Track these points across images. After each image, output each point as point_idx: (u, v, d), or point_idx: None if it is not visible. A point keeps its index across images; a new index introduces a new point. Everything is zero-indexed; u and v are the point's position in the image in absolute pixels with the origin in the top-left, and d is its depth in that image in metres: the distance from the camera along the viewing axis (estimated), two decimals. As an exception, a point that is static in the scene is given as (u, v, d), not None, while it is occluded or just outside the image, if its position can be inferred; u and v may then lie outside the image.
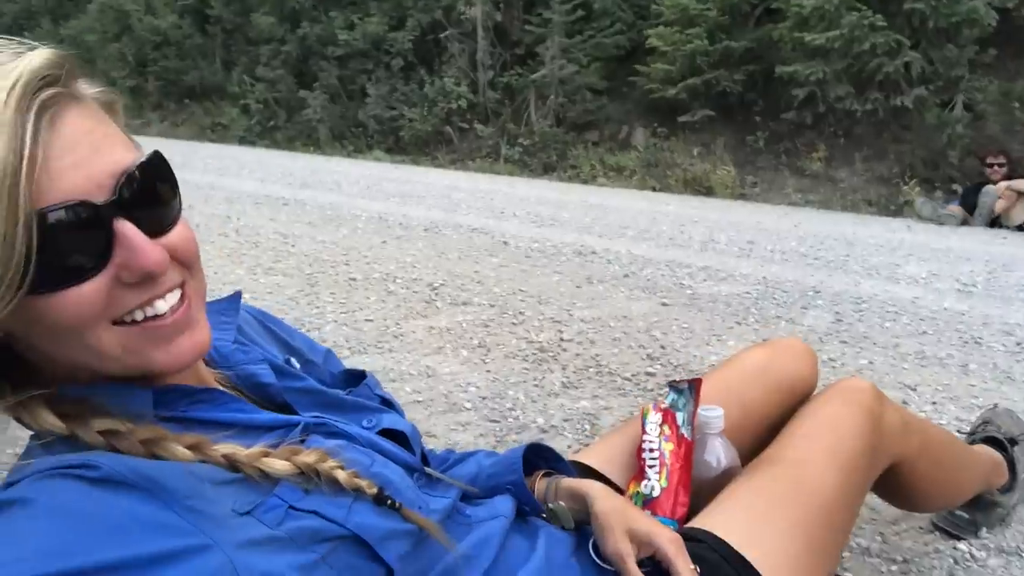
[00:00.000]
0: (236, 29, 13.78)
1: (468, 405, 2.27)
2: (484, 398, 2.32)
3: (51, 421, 0.55)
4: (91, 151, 0.54)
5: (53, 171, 0.51)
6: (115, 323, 0.56)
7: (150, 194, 0.58)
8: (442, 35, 11.02)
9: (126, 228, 0.55)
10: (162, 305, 0.58)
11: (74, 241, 0.52)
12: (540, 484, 0.94)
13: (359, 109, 11.90)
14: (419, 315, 3.17)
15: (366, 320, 3.10)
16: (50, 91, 0.52)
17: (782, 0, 7.43)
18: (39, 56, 0.53)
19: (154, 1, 14.91)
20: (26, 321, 0.54)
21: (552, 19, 9.67)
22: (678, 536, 0.83)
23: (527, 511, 0.89)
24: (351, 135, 12.08)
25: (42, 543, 0.47)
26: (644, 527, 0.82)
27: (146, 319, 0.58)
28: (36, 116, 0.50)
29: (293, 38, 12.75)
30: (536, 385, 2.42)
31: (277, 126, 13.19)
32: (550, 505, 0.90)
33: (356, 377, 0.90)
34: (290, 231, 5.07)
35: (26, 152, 0.49)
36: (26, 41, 0.55)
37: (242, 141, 12.89)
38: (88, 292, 0.54)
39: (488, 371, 2.54)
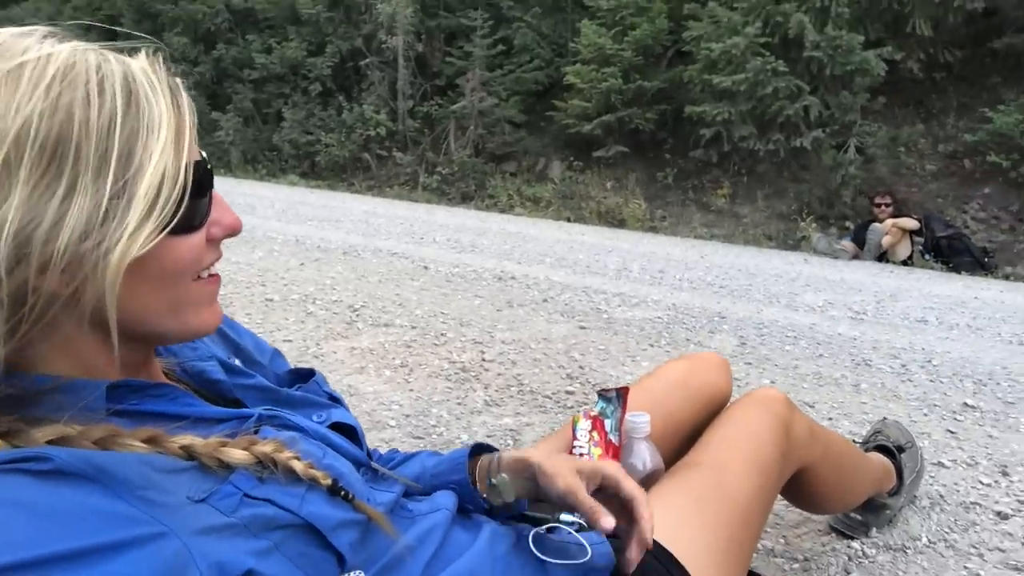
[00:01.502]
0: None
1: (392, 423, 2.28)
2: (408, 416, 2.34)
3: None
4: None
5: (190, 135, 0.61)
6: (193, 279, 0.64)
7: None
8: (362, 63, 11.04)
9: (216, 193, 0.65)
10: (218, 267, 0.67)
11: (201, 194, 0.62)
12: (482, 462, 0.92)
13: (274, 133, 11.73)
14: (340, 336, 3.15)
15: (284, 341, 3.07)
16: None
17: (693, 43, 7.83)
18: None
19: (56, 18, 14.31)
20: (141, 266, 0.56)
21: (473, 52, 9.87)
22: (620, 466, 0.86)
23: (470, 509, 0.90)
24: (264, 159, 11.88)
25: None
26: (588, 465, 0.85)
27: (210, 276, 0.66)
28: (177, 85, 0.61)
29: (207, 59, 12.48)
30: (459, 403, 2.45)
31: (187, 147, 12.80)
32: (492, 480, 0.89)
33: (304, 376, 0.92)
34: (203, 252, 4.94)
35: (184, 111, 0.60)
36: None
37: (149, 161, 12.44)
38: (197, 241, 0.62)
39: (411, 390, 2.56)
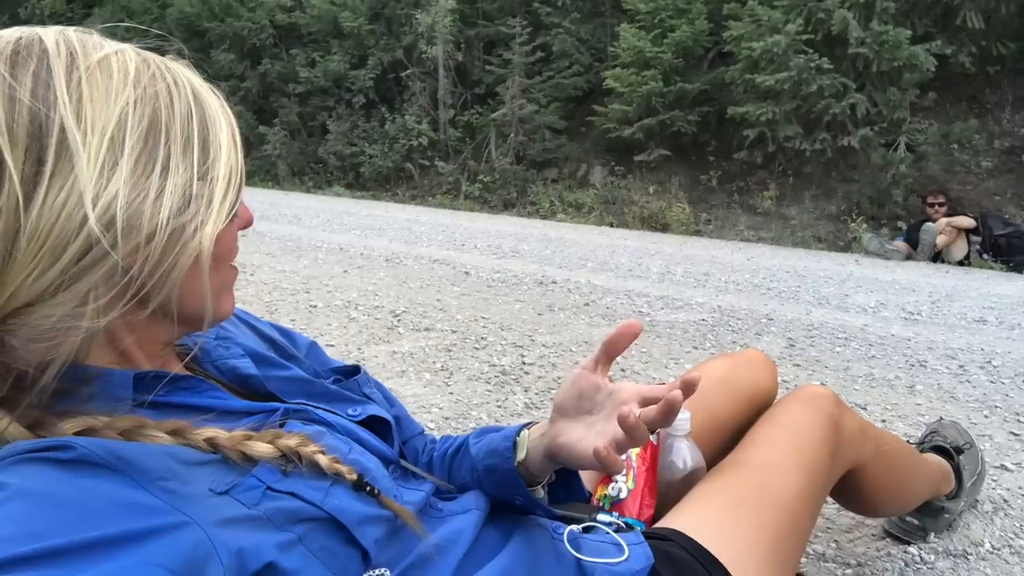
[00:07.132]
0: (195, 65, 13.72)
1: (432, 426, 2.27)
2: (447, 418, 2.32)
3: (16, 434, 0.53)
4: None
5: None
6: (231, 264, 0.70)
7: None
8: (403, 74, 11.15)
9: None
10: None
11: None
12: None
13: (319, 145, 11.92)
14: (381, 340, 3.16)
15: (327, 345, 3.08)
16: None
17: (733, 43, 7.72)
18: None
19: (113, 33, 14.80)
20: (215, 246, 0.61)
21: (512, 60, 9.89)
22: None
23: (519, 503, 0.86)
24: (311, 171, 12.07)
25: (13, 526, 0.45)
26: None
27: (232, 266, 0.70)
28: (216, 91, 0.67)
29: (253, 75, 12.76)
30: (499, 406, 2.43)
31: (235, 161, 13.08)
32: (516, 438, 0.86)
33: (347, 372, 0.91)
34: (248, 260, 5.01)
35: (230, 113, 0.65)
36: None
37: (199, 176, 12.78)
38: (234, 230, 0.68)
39: (451, 393, 2.54)
